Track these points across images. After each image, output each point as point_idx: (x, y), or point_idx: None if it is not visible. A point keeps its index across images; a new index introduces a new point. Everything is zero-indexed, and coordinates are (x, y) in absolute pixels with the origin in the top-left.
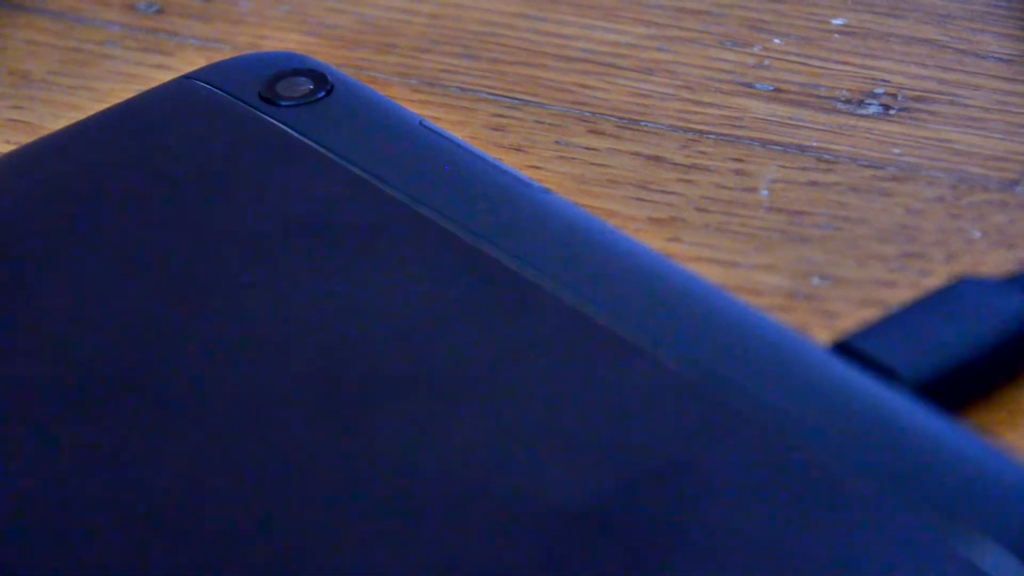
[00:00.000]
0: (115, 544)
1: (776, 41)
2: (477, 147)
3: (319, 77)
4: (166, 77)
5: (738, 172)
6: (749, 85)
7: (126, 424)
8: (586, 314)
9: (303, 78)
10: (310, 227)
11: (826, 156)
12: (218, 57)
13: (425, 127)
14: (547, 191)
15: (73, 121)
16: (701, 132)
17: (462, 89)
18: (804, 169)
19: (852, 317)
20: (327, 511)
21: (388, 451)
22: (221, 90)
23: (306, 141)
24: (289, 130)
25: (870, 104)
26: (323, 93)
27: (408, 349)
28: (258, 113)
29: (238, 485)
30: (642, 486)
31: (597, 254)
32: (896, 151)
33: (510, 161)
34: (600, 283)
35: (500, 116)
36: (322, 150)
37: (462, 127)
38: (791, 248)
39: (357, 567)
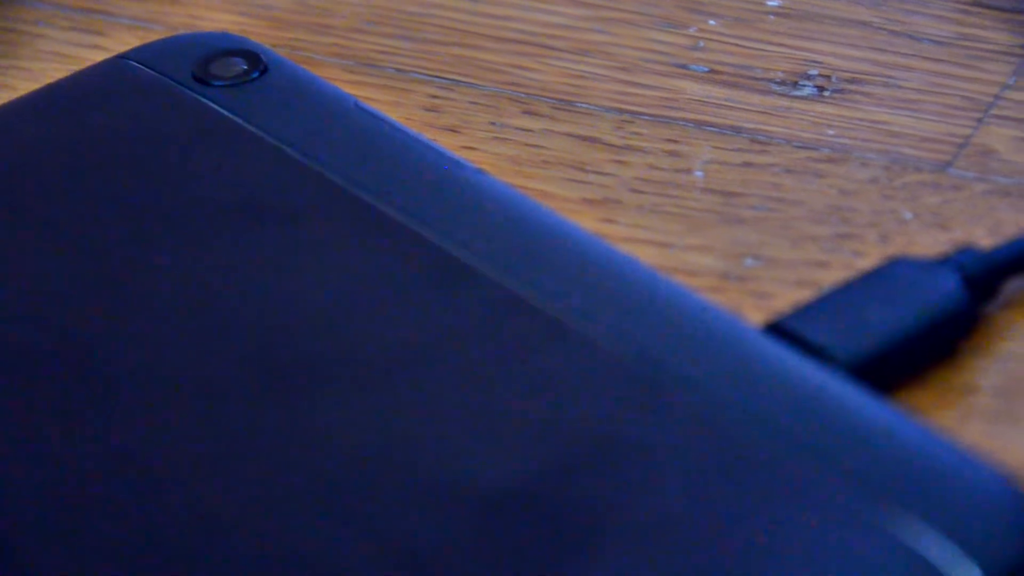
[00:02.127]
0: (40, 524)
1: (711, 23)
2: (412, 128)
3: (253, 58)
4: (99, 57)
5: (672, 153)
6: (684, 67)
7: (48, 405)
8: (519, 294)
9: (237, 59)
10: (242, 208)
11: (760, 137)
12: (152, 37)
13: (360, 108)
14: (481, 172)
15: (5, 101)
16: (636, 113)
17: (397, 70)
18: (738, 150)
19: (785, 298)
20: (259, 492)
21: (316, 432)
22: (154, 70)
23: (239, 122)
24: (222, 111)
25: (804, 86)
26: (257, 74)
27: (340, 330)
28: (191, 93)
29: (161, 464)
30: (573, 465)
31: (531, 235)
32: (830, 133)
33: (445, 142)
34: (533, 264)
35: (435, 97)
36: (255, 131)
37: (397, 108)
38: (725, 229)
39: (287, 546)
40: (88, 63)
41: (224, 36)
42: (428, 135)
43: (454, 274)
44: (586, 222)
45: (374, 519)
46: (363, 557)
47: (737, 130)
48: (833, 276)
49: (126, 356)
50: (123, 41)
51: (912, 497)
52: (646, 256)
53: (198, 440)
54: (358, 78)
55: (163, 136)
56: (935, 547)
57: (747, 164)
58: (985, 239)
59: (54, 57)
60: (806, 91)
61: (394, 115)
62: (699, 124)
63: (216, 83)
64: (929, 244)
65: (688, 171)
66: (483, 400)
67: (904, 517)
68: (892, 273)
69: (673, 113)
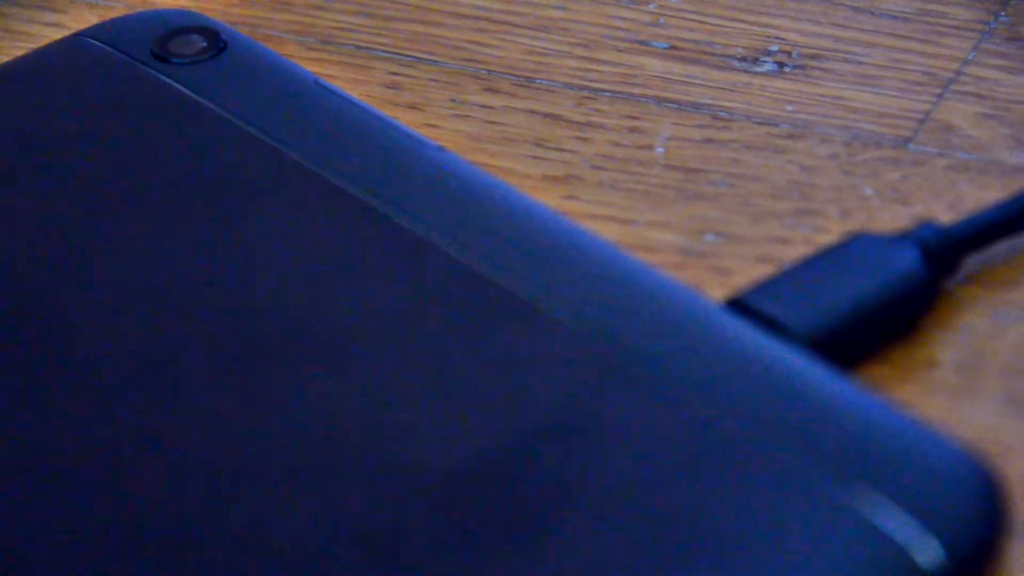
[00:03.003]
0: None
1: None
2: (372, 105)
3: (212, 35)
4: (59, 35)
5: (633, 130)
6: (644, 43)
7: (9, 381)
8: (480, 271)
9: (196, 36)
10: (202, 186)
11: (721, 114)
12: (111, 14)
13: (320, 85)
14: (442, 149)
15: None
16: (596, 90)
17: (358, 47)
18: (699, 127)
19: (746, 274)
20: (214, 468)
21: (273, 409)
22: (113, 47)
23: (198, 99)
24: (181, 88)
25: (765, 62)
26: (216, 51)
27: (300, 308)
28: (150, 71)
29: (114, 440)
30: (532, 442)
31: (492, 212)
32: (790, 108)
33: (406, 119)
34: (495, 240)
35: (396, 74)
36: (215, 108)
37: (358, 85)
38: (686, 205)
39: (246, 524)
40: (47, 41)
41: (183, 13)
42: (388, 112)
43: (414, 251)
44: (547, 199)
45: (331, 497)
46: (320, 535)
47: (698, 106)
48: (793, 252)
49: (82, 335)
50: (82, 19)
51: (872, 472)
52: (607, 232)
53: (151, 415)
54: (318, 55)
55: (122, 114)
56: (895, 521)
57: (708, 140)
58: (945, 214)
59: (13, 35)
60: (766, 67)
61: (354, 92)
62: (660, 100)
63: (175, 60)
64: (890, 219)
65: (649, 147)
66: (442, 377)
67: (865, 492)
68: (852, 248)
69: (634, 89)
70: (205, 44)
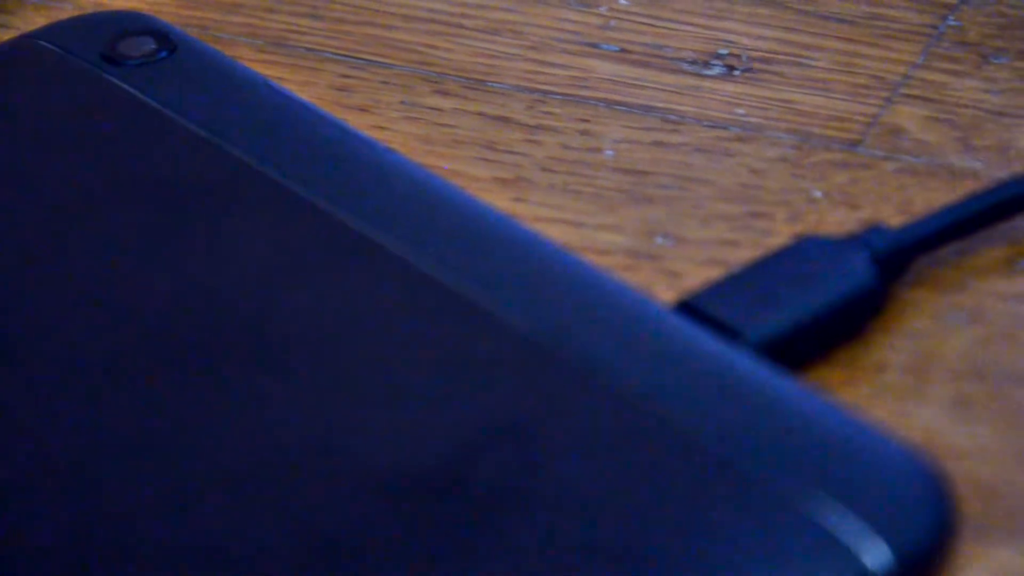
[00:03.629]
0: None
1: (622, 1)
2: (323, 108)
3: (162, 36)
4: (6, 36)
5: (584, 132)
6: (595, 45)
7: None
8: (428, 274)
9: (146, 37)
10: (152, 188)
11: (671, 117)
12: (60, 16)
13: (270, 88)
14: (392, 151)
15: None
16: (547, 92)
17: (308, 49)
18: (649, 129)
19: (695, 276)
20: (166, 474)
21: (217, 414)
22: (62, 50)
23: (148, 101)
24: (131, 90)
25: (715, 65)
26: (166, 53)
27: (252, 309)
28: (99, 73)
29: (73, 445)
30: (478, 445)
31: (441, 215)
32: (740, 112)
33: (356, 122)
34: (443, 243)
35: (346, 77)
36: (164, 110)
37: (308, 88)
38: (635, 208)
39: (196, 529)
40: None
41: (133, 15)
42: (339, 115)
43: (363, 254)
44: (497, 201)
45: (279, 503)
46: (266, 539)
47: (648, 109)
48: (743, 255)
49: (24, 339)
50: (31, 20)
51: (820, 475)
52: (557, 235)
53: (96, 423)
54: (268, 57)
55: (71, 116)
56: (843, 523)
57: (658, 143)
58: (894, 217)
59: None
60: (716, 70)
61: (305, 95)
62: (610, 103)
63: (125, 62)
64: (838, 222)
65: (599, 150)
66: (389, 380)
67: (812, 495)
68: (801, 252)
69: (584, 92)
70: (155, 46)
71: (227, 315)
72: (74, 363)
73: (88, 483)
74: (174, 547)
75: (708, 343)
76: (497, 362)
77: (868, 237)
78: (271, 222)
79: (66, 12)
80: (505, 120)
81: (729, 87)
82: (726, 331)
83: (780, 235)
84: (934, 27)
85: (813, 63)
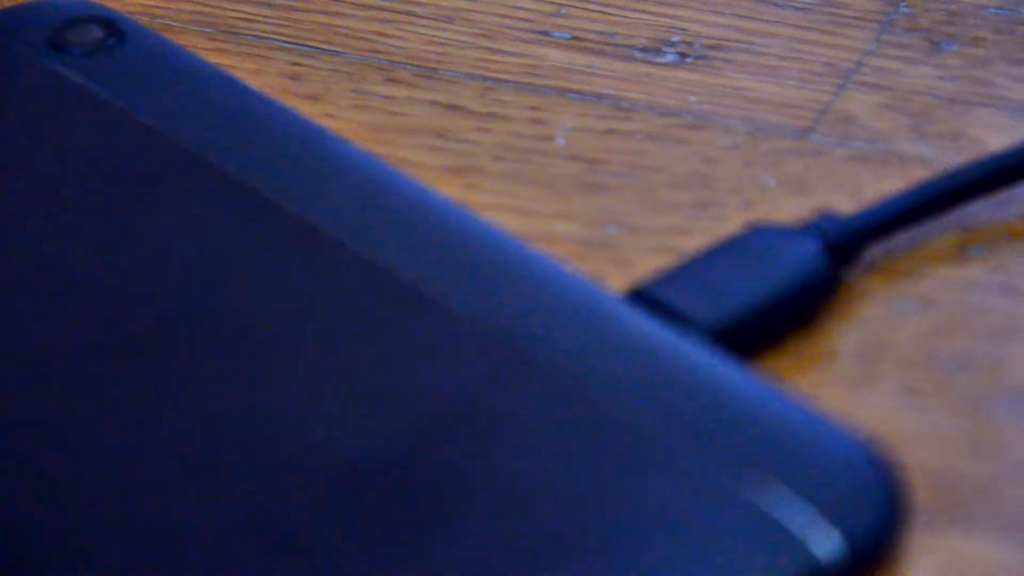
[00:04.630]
0: None
1: None
2: (273, 96)
3: (110, 24)
4: None
5: (535, 120)
6: (547, 33)
7: None
8: (379, 263)
9: (94, 25)
10: (99, 178)
11: (623, 104)
12: (7, 3)
13: (220, 76)
14: (342, 140)
15: None
16: (499, 80)
17: (258, 37)
18: (601, 117)
19: (647, 265)
20: (112, 464)
21: (169, 403)
22: (8, 36)
23: (96, 90)
24: (78, 78)
25: (667, 52)
26: (114, 41)
27: (199, 300)
28: (46, 61)
29: (17, 436)
30: (430, 435)
31: (392, 204)
32: (692, 99)
33: (306, 110)
34: (394, 232)
35: (297, 65)
36: (112, 99)
37: (258, 76)
38: (587, 196)
39: (143, 518)
40: None
41: (81, 3)
42: (289, 103)
43: (313, 243)
44: (448, 190)
45: (231, 491)
46: (219, 529)
47: (600, 97)
48: (695, 243)
49: None
50: None
51: (771, 462)
52: (509, 223)
53: (47, 410)
54: (218, 45)
55: (17, 104)
56: (794, 512)
57: (610, 131)
58: (846, 205)
59: None
60: (669, 58)
61: (255, 83)
62: (562, 91)
63: (72, 50)
64: (791, 210)
65: (551, 138)
66: (339, 370)
67: (763, 482)
68: (753, 239)
69: (536, 80)
70: (103, 34)
71: (170, 304)
72: (11, 352)
73: (24, 468)
74: (121, 532)
75: (658, 331)
76: (445, 351)
77: (819, 225)
78: (216, 211)
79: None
80: (456, 108)
81: (681, 74)
82: (677, 319)
83: (732, 223)
84: (886, 14)
85: (765, 50)
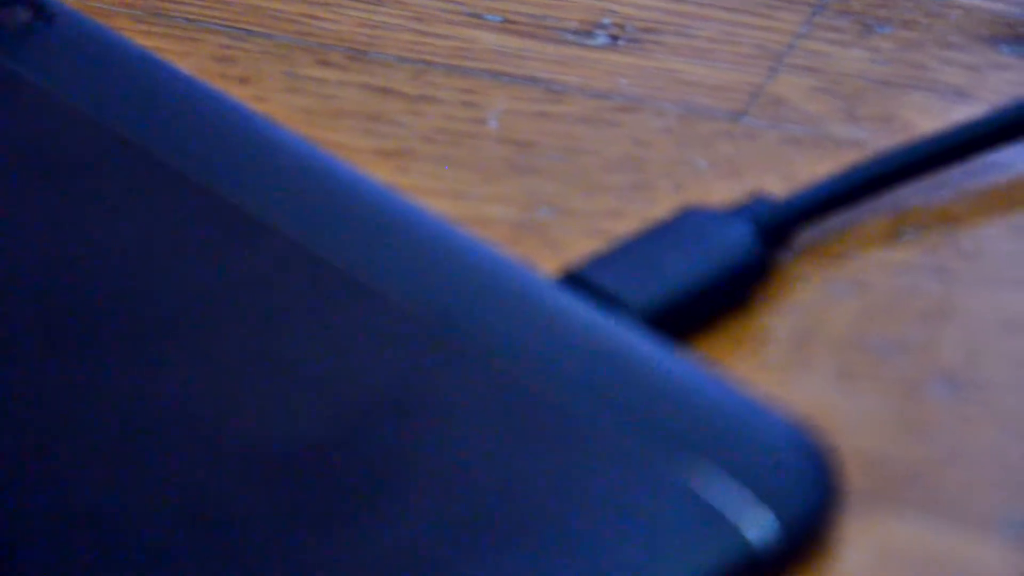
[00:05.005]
0: None
1: None
2: (203, 79)
3: (38, 6)
4: None
5: (467, 103)
6: (479, 16)
7: None
8: (308, 247)
9: (21, 6)
10: (25, 162)
11: (555, 87)
12: None
13: (148, 59)
14: (272, 123)
15: None
16: (430, 63)
17: (188, 20)
18: (533, 100)
19: (579, 248)
20: (41, 446)
21: (97, 389)
22: None
23: (21, 71)
24: (5, 60)
25: (598, 35)
26: (42, 23)
27: (126, 284)
28: None
29: None
30: (358, 419)
31: (322, 187)
32: (624, 82)
33: (237, 93)
34: (323, 216)
35: (227, 47)
36: (38, 81)
37: (187, 59)
38: (519, 179)
39: (72, 499)
40: None
41: None
42: (219, 86)
43: (242, 227)
44: (380, 173)
45: (161, 475)
46: (148, 512)
47: (532, 80)
48: (627, 226)
49: None
50: None
51: (704, 446)
52: (440, 207)
53: None
54: (147, 28)
55: None
56: (727, 494)
57: (542, 114)
58: (778, 188)
59: None
60: (600, 40)
61: (185, 66)
62: (494, 74)
63: None
64: (723, 193)
65: (483, 121)
66: (268, 354)
67: (696, 466)
68: (686, 222)
69: (468, 63)
70: (31, 15)
71: (95, 288)
72: None
73: None
74: (52, 512)
75: (589, 314)
76: (375, 335)
77: (752, 208)
78: (143, 195)
79: None
80: (388, 91)
81: (613, 57)
82: (610, 302)
83: (665, 206)
84: None
85: (697, 33)
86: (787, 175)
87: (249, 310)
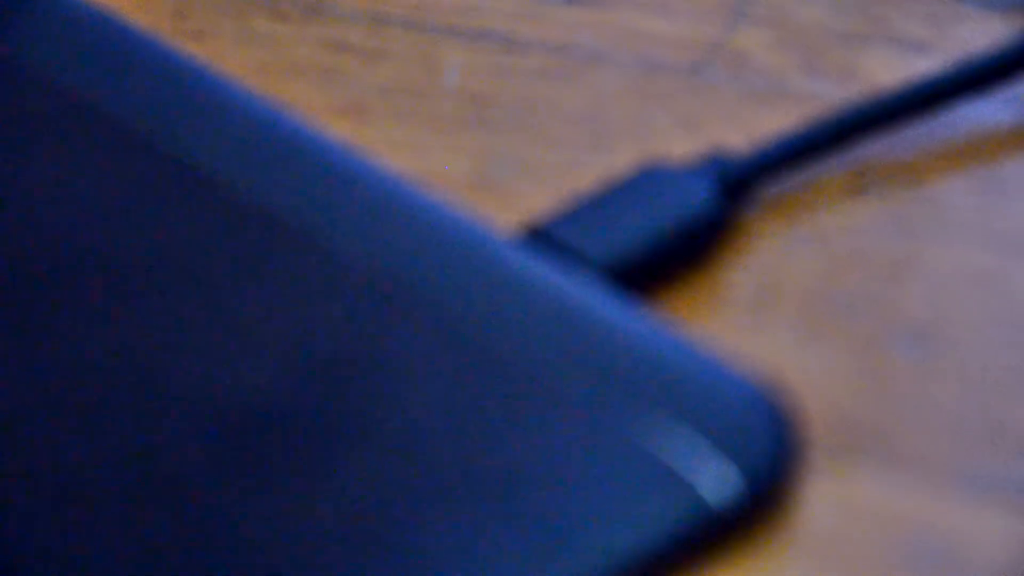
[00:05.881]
0: None
1: None
2: (157, 35)
3: None
4: None
5: (424, 58)
6: None
7: None
8: (262, 206)
9: None
10: None
11: (513, 42)
12: None
13: (102, 16)
14: (226, 79)
15: None
16: (387, 19)
17: None
18: (491, 55)
19: (538, 203)
20: None
21: (51, 346)
22: None
23: None
24: None
25: None
26: None
27: (79, 241)
28: None
29: None
30: (315, 378)
31: (275, 144)
32: (583, 36)
33: (192, 48)
34: (278, 173)
35: (182, 2)
36: None
37: (144, 14)
38: (477, 134)
39: (24, 460)
40: None
41: None
42: (174, 41)
43: (194, 185)
44: (336, 129)
45: (109, 431)
46: (100, 469)
47: (489, 35)
48: (587, 181)
49: None
50: None
51: (662, 401)
52: (397, 162)
53: None
54: None
55: None
56: (685, 452)
57: (500, 69)
58: (739, 142)
59: None
60: None
61: (140, 21)
62: (451, 29)
63: None
64: (684, 147)
65: (440, 76)
66: (221, 312)
67: (653, 422)
68: (646, 178)
69: (424, 18)
70: None
71: (48, 246)
72: None
73: None
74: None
75: (546, 271)
76: (330, 293)
77: (713, 163)
78: (95, 153)
79: None
80: (344, 46)
81: (572, 12)
82: (570, 257)
83: (625, 161)
84: None
85: None
86: (748, 129)
87: (199, 267)
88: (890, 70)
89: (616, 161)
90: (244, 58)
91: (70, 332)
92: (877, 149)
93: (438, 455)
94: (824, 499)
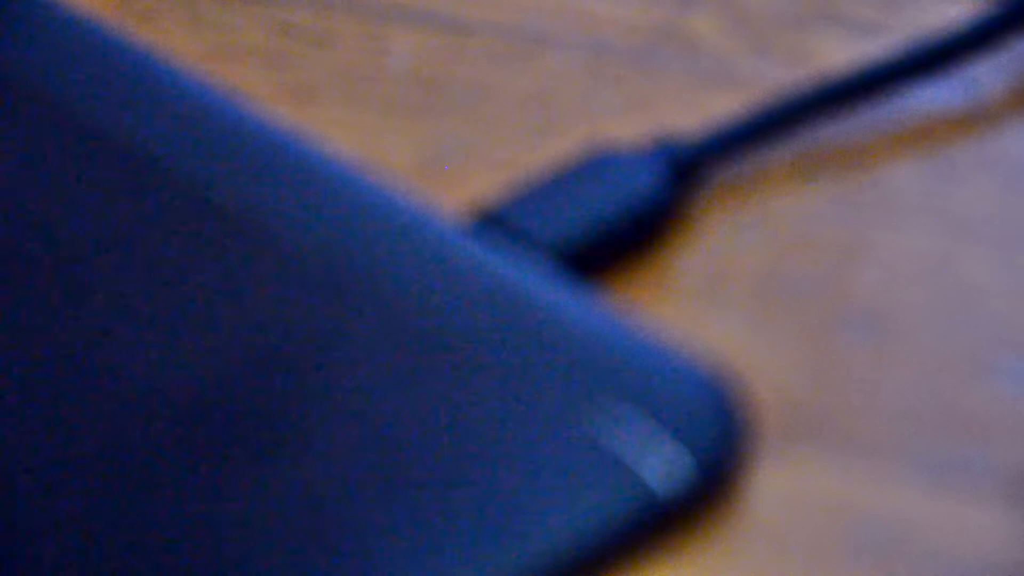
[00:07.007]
0: None
1: None
2: (104, 20)
3: None
4: None
5: (372, 41)
6: None
7: None
8: (206, 191)
9: None
10: None
11: (461, 24)
12: None
13: (47, 4)
14: (174, 63)
15: None
16: (334, 2)
17: None
18: (439, 38)
19: (486, 187)
20: None
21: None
22: None
23: None
24: None
25: None
26: None
27: (19, 227)
28: None
29: None
30: (258, 365)
31: (218, 129)
32: (533, 19)
33: (139, 30)
34: (222, 159)
35: None
36: None
37: None
38: (425, 118)
39: None
40: None
41: None
42: (121, 22)
43: (139, 170)
44: (282, 112)
45: (58, 419)
46: (47, 457)
47: (437, 17)
48: (536, 165)
49: None
50: None
51: (608, 387)
52: (345, 146)
53: None
54: None
55: None
56: (631, 439)
57: (448, 52)
58: (689, 125)
59: None
60: None
61: (86, 3)
62: (400, 11)
63: None
64: (632, 130)
65: (388, 59)
66: (167, 299)
67: (598, 408)
68: (595, 162)
69: (373, 1)
70: None
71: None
72: None
73: None
74: None
75: (495, 256)
76: (269, 279)
77: (662, 147)
78: (35, 138)
79: None
80: (292, 30)
81: None
82: (519, 242)
83: (575, 143)
84: None
85: None
86: (699, 112)
87: (141, 256)
88: (841, 53)
89: (566, 144)
90: (191, 40)
91: (16, 326)
92: (827, 133)
93: (379, 442)
94: (775, 486)
